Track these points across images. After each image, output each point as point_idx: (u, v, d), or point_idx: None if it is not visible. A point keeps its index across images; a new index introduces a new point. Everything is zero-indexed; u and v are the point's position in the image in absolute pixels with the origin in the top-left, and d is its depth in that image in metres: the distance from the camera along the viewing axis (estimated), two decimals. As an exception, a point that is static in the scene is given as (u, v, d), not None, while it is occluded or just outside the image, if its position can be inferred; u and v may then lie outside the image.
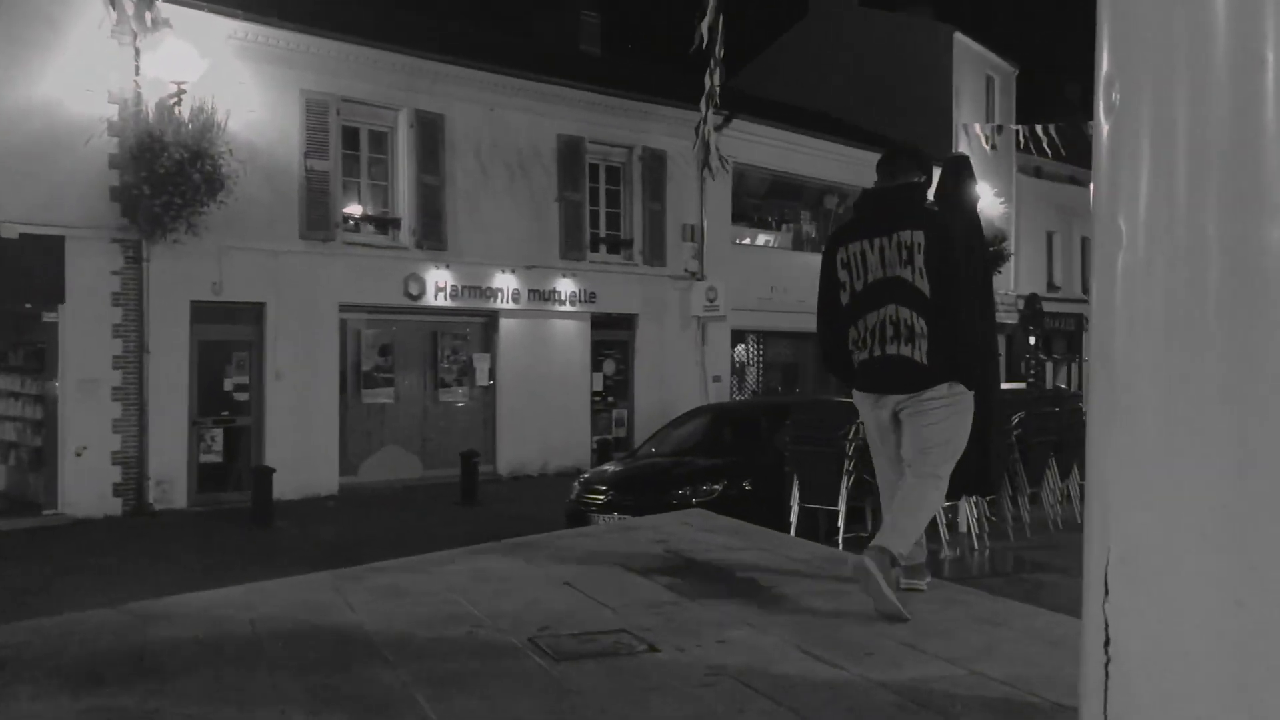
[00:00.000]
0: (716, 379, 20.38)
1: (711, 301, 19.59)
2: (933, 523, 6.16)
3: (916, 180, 4.47)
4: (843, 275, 4.37)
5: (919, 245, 4.17)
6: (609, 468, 11.46)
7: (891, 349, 4.21)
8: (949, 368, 4.17)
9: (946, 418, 4.20)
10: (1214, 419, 1.86)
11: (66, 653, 3.49)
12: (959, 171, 6.24)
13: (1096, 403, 2.05)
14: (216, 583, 5.67)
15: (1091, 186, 2.11)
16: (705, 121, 15.35)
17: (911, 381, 4.19)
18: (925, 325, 4.15)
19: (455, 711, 2.87)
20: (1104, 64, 2.07)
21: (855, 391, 4.50)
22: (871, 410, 4.42)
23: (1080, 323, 30.62)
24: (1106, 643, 2.01)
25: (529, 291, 17.85)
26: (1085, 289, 31.36)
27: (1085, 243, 31.57)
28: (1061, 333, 29.73)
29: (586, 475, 11.10)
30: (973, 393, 4.29)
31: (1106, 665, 2.01)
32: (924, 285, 4.16)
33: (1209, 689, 1.86)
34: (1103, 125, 2.07)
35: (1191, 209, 1.90)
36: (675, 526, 5.87)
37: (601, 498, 10.06)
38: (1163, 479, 1.92)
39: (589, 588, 4.39)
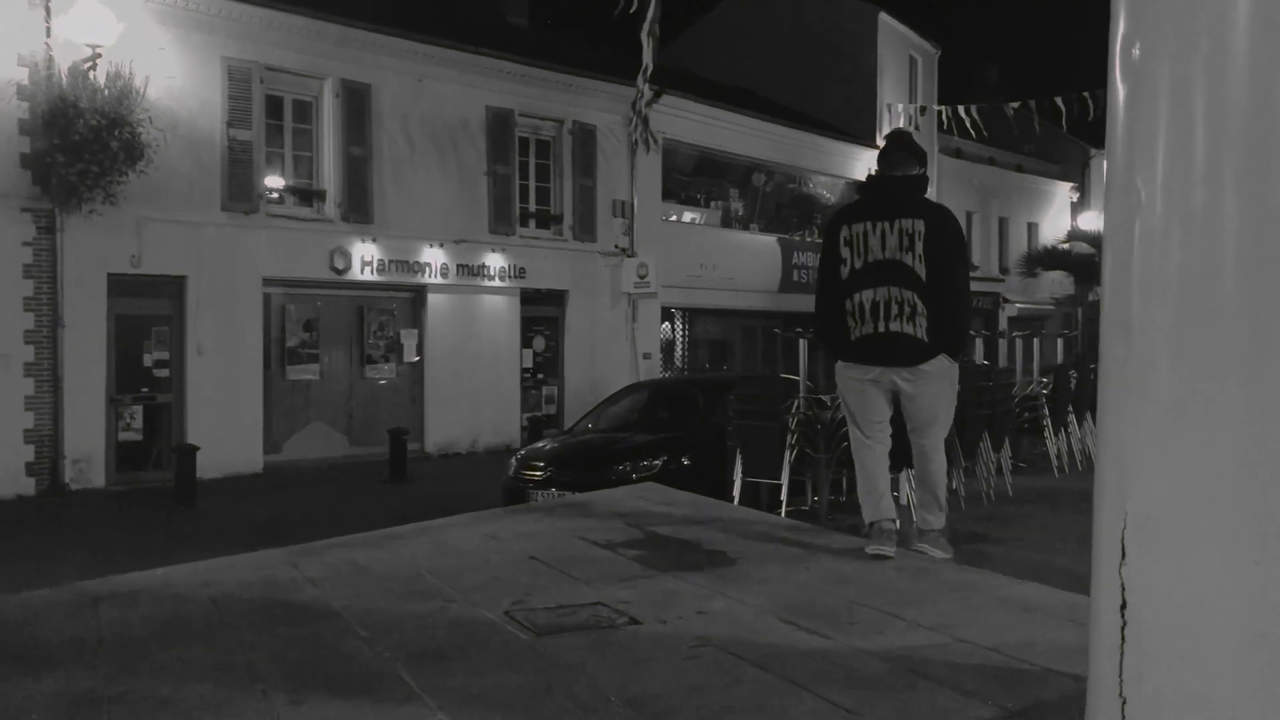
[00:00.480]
0: (647, 356, 20.34)
1: (642, 278, 19.51)
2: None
3: (917, 173, 4.88)
4: (844, 252, 4.73)
5: (919, 233, 4.60)
6: (546, 444, 11.35)
7: (895, 326, 4.61)
8: (943, 343, 4.65)
9: (942, 390, 4.74)
10: (1231, 381, 1.85)
11: (18, 635, 3.32)
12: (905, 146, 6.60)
13: (1110, 366, 2.03)
14: (143, 565, 5.45)
15: (1106, 147, 2.09)
16: (641, 95, 15.24)
17: (913, 356, 4.63)
18: (923, 305, 4.58)
19: (443, 686, 2.78)
20: (1121, 22, 2.04)
21: (843, 362, 4.83)
22: (861, 381, 4.77)
23: (997, 301, 31.25)
24: (1123, 606, 2.00)
25: (457, 266, 17.58)
26: (1003, 269, 32.04)
27: (1003, 223, 32.22)
28: (979, 310, 30.33)
29: (524, 451, 10.97)
30: (957, 364, 4.78)
31: (1123, 629, 2.01)
32: (921, 269, 4.59)
33: (1228, 646, 1.86)
34: (1119, 85, 2.05)
35: (1210, 172, 1.88)
36: (632, 500, 5.82)
37: (540, 474, 9.96)
38: (1180, 442, 1.91)
39: (555, 561, 4.32)
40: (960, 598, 3.78)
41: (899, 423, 4.86)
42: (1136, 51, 2.01)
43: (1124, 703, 2.01)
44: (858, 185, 5.08)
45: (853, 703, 2.65)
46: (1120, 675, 2.01)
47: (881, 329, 4.61)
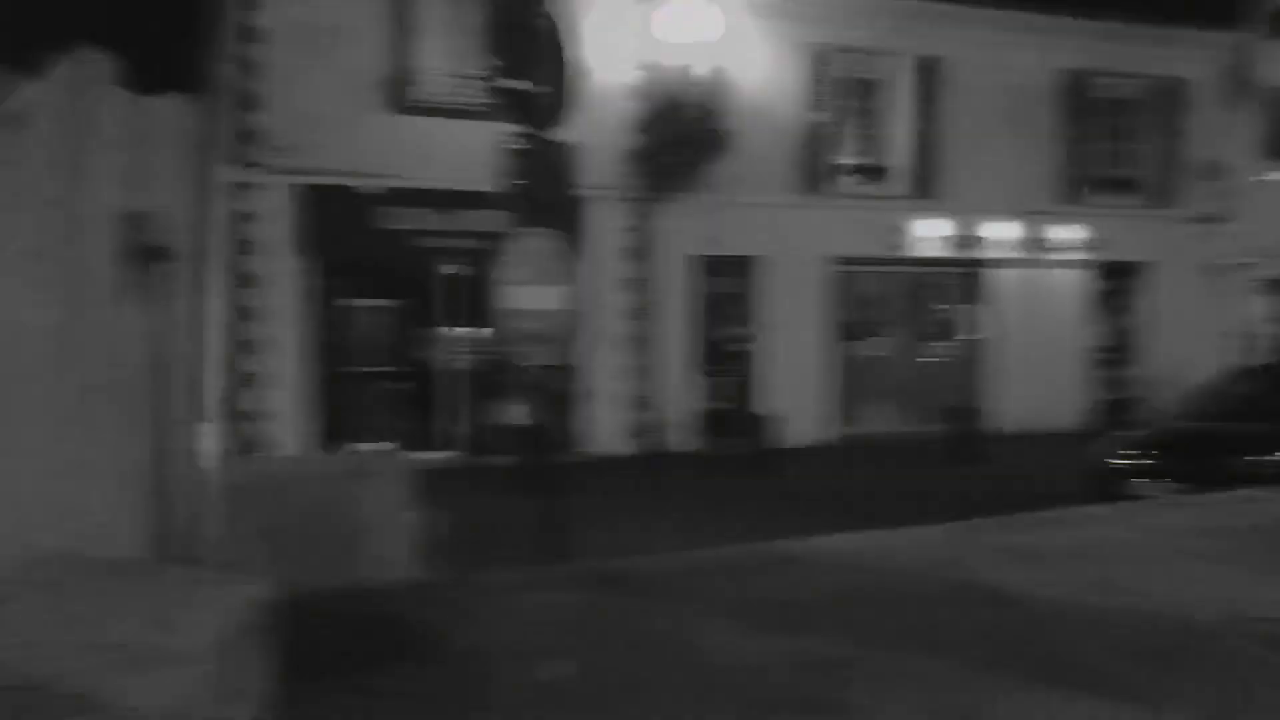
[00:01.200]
0: (1235, 335, 18.08)
1: (1237, 247, 17.36)
2: None
3: None
4: None
5: None
6: (1144, 430, 10.47)
7: None
8: None
9: None
10: None
11: (733, 591, 3.61)
12: None
13: None
14: (770, 526, 5.71)
15: None
16: (1257, 36, 13.21)
17: None
18: None
19: (1175, 693, 2.57)
20: None
21: None
22: None
23: None
24: None
25: (1023, 240, 16.86)
26: None
27: None
28: None
29: (1120, 436, 10.21)
30: None
31: None
32: None
33: None
34: None
35: None
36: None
37: (1142, 462, 9.19)
38: None
39: (1249, 563, 3.89)
40: None
41: None
42: None
43: None
44: None
45: None
46: None
47: None
